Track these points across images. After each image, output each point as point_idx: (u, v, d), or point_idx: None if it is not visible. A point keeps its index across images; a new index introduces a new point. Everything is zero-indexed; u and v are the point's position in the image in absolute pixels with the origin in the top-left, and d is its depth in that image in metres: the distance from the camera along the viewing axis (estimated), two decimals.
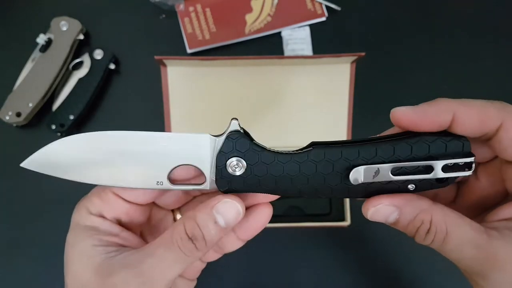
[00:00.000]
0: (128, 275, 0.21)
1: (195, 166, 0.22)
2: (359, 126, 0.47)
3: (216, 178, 0.22)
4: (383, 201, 0.22)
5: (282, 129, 0.46)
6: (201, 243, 0.22)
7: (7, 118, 0.45)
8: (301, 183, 0.22)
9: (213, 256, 0.27)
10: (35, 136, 0.48)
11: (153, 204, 0.27)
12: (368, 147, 0.21)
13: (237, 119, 0.22)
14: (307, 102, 0.46)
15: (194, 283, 0.28)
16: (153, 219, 0.28)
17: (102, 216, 0.24)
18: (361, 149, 0.21)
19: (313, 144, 0.22)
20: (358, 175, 0.21)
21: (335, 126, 0.47)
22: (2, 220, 0.46)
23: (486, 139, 0.22)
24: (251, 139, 0.22)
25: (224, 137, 0.22)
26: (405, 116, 0.21)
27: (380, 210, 0.22)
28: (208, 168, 0.22)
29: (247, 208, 0.24)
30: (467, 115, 0.20)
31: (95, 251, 0.22)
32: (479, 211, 0.24)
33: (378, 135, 0.23)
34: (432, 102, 0.21)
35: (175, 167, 0.22)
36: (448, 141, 0.21)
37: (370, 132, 0.50)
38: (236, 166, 0.22)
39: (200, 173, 0.23)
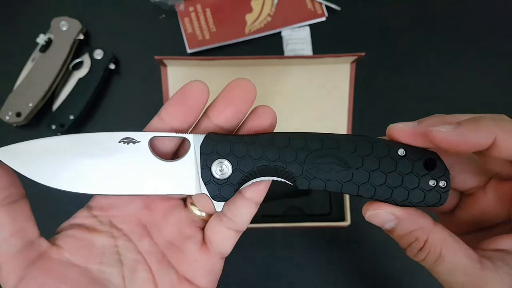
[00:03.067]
0: None
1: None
2: (359, 126, 0.47)
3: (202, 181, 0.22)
4: (384, 207, 0.22)
5: (282, 129, 0.46)
6: None
7: (7, 118, 0.45)
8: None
9: (227, 235, 0.24)
10: (35, 136, 0.47)
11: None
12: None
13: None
14: (307, 102, 0.46)
15: None
16: (157, 209, 0.25)
17: None
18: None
19: None
20: None
21: (335, 126, 0.47)
22: None
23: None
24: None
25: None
26: (446, 138, 0.20)
27: (378, 214, 0.22)
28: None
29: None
30: (508, 142, 0.19)
31: None
32: (475, 228, 0.24)
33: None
34: (473, 123, 0.20)
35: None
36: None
37: (369, 132, 0.50)
38: (221, 169, 0.22)
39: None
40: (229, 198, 0.22)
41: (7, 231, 0.21)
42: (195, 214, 0.25)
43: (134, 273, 0.23)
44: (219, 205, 0.22)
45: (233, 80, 0.23)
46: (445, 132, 0.19)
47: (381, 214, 0.22)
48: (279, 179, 0.23)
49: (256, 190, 0.23)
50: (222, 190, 0.22)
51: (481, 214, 0.24)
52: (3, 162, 0.21)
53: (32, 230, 0.22)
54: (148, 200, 0.24)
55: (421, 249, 0.21)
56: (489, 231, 0.23)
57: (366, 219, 0.22)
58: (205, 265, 0.25)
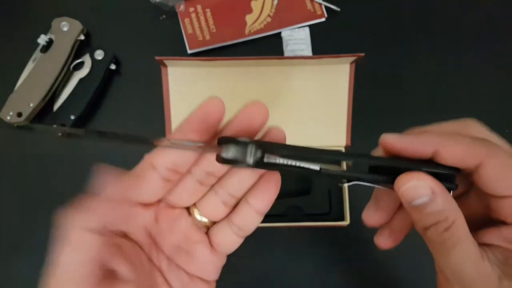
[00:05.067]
0: None
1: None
2: (358, 126, 0.47)
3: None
4: (426, 178, 0.22)
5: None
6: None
7: (8, 118, 0.45)
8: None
9: (233, 239, 0.25)
10: (36, 136, 0.48)
11: (161, 203, 0.25)
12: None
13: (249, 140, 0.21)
14: (306, 103, 0.47)
15: (214, 286, 0.26)
16: (162, 220, 0.25)
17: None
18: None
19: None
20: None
21: (335, 126, 0.47)
22: (2, 220, 0.46)
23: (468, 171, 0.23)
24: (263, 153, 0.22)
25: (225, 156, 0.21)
26: (392, 144, 0.22)
27: (419, 186, 0.22)
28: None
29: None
30: (449, 152, 0.22)
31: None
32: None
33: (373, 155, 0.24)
34: (420, 133, 0.23)
35: None
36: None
37: (369, 132, 0.51)
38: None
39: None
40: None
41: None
42: (198, 219, 0.25)
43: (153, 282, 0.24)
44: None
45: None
46: (392, 138, 0.22)
47: (422, 187, 0.22)
48: None
49: (263, 201, 0.24)
50: None
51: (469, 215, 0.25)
52: None
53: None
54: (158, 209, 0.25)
55: (447, 229, 0.21)
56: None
57: (401, 191, 0.22)
58: (216, 263, 0.26)
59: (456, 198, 0.24)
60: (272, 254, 0.46)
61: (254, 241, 0.47)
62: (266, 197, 0.24)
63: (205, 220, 0.25)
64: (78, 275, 0.20)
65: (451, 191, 0.23)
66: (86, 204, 0.22)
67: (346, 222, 0.44)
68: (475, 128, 0.24)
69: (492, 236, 0.23)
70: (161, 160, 0.22)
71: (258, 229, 0.42)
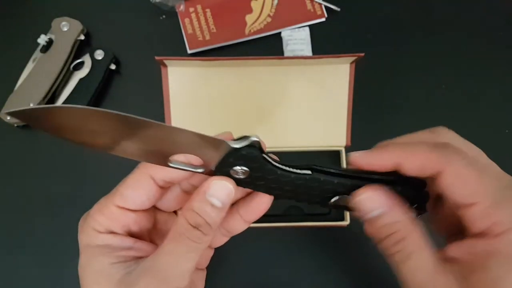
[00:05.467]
0: (147, 279, 0.22)
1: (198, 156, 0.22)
2: (358, 126, 0.47)
3: (215, 170, 0.23)
4: (379, 193, 0.22)
5: (281, 129, 0.46)
6: (206, 227, 0.22)
7: (8, 118, 0.45)
8: (292, 193, 0.24)
9: (222, 239, 0.28)
10: (36, 136, 0.48)
11: (156, 209, 0.27)
12: (356, 181, 0.24)
13: (258, 138, 0.22)
14: (306, 102, 0.47)
15: (204, 272, 0.29)
16: (158, 223, 0.28)
17: (112, 232, 0.24)
18: (351, 182, 0.24)
19: (311, 168, 0.24)
20: (337, 201, 0.25)
21: (335, 127, 0.47)
22: (2, 220, 0.46)
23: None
24: (262, 151, 0.22)
25: (237, 146, 0.22)
26: (357, 161, 0.24)
27: (373, 199, 0.22)
28: (211, 164, 0.23)
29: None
30: (408, 163, 0.22)
31: (114, 269, 0.23)
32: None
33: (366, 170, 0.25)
34: (384, 147, 0.24)
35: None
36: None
37: (369, 132, 0.51)
38: (240, 172, 0.23)
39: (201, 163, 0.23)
40: None
41: None
42: None
43: None
44: None
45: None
46: (357, 156, 0.24)
47: (376, 200, 0.22)
48: None
49: (253, 214, 0.25)
50: None
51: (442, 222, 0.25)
52: None
53: None
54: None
55: (398, 242, 0.22)
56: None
57: (355, 203, 0.23)
58: (207, 255, 0.29)
59: (436, 206, 0.24)
60: (272, 254, 0.46)
61: (254, 241, 0.47)
62: (256, 213, 0.25)
63: None
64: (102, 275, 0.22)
65: (423, 204, 0.23)
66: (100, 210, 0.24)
67: (346, 222, 0.44)
68: (446, 136, 0.24)
69: (455, 249, 0.22)
70: (161, 175, 0.24)
71: (259, 229, 0.42)
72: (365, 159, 0.23)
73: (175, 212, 0.29)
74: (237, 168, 0.22)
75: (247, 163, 0.22)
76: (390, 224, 0.22)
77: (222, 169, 0.22)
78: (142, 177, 0.24)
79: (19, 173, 0.47)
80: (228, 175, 0.23)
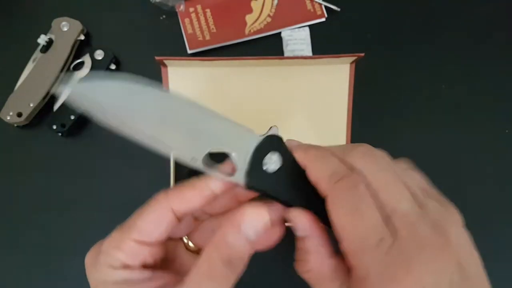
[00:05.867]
0: None
1: (231, 154, 0.22)
2: (358, 126, 0.47)
3: (248, 171, 0.23)
4: (307, 215, 0.23)
5: (281, 129, 0.46)
6: (239, 261, 0.22)
7: (8, 118, 0.45)
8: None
9: None
10: (36, 136, 0.48)
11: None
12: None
13: (277, 126, 0.23)
14: (306, 103, 0.47)
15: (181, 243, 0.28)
16: (168, 250, 0.27)
17: (129, 267, 0.23)
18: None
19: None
20: None
21: (335, 127, 0.47)
22: (2, 220, 0.46)
23: None
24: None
25: (264, 137, 0.23)
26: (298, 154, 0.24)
27: (302, 220, 0.23)
28: (242, 161, 0.23)
29: None
30: (311, 169, 0.22)
31: None
32: None
33: None
34: (308, 147, 0.24)
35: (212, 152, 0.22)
36: None
37: (369, 132, 0.50)
38: (271, 161, 0.23)
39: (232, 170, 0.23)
40: None
41: None
42: (191, 246, 0.28)
43: None
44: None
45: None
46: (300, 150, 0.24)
47: (305, 221, 0.22)
48: None
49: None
50: None
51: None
52: None
53: None
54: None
55: (308, 271, 0.24)
56: None
57: (291, 218, 0.23)
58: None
59: None
60: (272, 254, 0.46)
61: None
62: (264, 246, 0.26)
63: (190, 244, 0.28)
64: None
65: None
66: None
67: None
68: (355, 153, 0.22)
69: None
70: (184, 207, 0.23)
71: None
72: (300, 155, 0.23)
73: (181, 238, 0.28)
74: (269, 156, 0.22)
75: (275, 150, 0.23)
76: (310, 251, 0.23)
77: (255, 165, 0.22)
78: (163, 211, 0.23)
79: (19, 173, 0.47)
80: (260, 170, 0.23)
